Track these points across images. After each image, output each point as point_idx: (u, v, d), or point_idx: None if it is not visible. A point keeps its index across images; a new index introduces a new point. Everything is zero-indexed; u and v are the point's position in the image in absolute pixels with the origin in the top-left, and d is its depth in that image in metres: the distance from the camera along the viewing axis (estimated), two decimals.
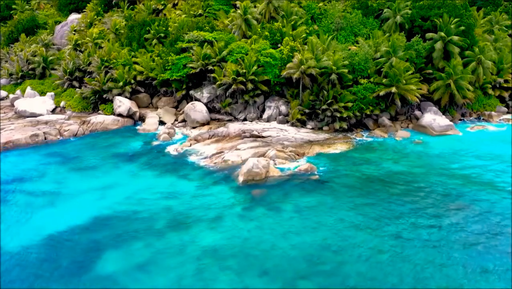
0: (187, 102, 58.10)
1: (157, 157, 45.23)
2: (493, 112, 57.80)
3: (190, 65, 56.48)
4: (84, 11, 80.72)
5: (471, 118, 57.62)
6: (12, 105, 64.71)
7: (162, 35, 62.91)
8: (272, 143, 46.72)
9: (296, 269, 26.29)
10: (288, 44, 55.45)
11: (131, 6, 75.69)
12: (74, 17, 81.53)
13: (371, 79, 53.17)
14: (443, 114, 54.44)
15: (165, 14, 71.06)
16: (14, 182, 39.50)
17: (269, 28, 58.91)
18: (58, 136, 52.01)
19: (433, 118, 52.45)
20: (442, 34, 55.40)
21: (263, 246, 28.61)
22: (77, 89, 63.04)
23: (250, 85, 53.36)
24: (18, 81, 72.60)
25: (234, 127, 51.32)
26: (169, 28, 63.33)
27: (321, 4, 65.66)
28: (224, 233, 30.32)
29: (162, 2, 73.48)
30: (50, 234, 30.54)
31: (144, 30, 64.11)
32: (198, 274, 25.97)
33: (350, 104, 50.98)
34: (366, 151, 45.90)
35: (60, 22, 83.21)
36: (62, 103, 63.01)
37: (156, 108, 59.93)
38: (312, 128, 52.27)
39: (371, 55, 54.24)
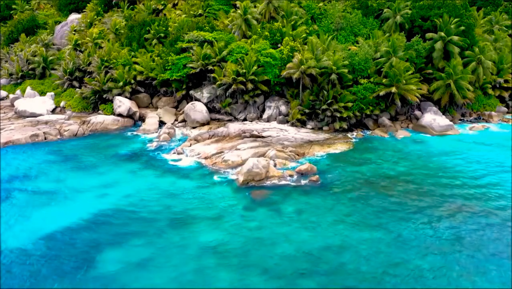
0: (187, 102, 58.10)
1: (157, 157, 45.23)
2: (493, 112, 57.82)
3: (190, 65, 56.48)
4: (84, 11, 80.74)
5: (471, 118, 57.65)
6: (12, 105, 64.73)
7: (162, 35, 62.92)
8: (272, 144, 46.71)
9: (296, 268, 26.28)
10: (288, 44, 55.46)
11: (131, 6, 75.68)
12: (74, 17, 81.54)
13: (371, 79, 53.19)
14: (443, 114, 54.46)
15: (165, 14, 71.06)
16: (13, 180, 39.52)
17: (269, 28, 58.91)
18: (58, 136, 52.01)
19: (433, 118, 52.46)
20: (442, 34, 55.41)
21: (264, 245, 28.59)
22: (77, 89, 63.05)
23: (250, 85, 53.37)
24: (18, 81, 72.63)
25: (234, 127, 51.31)
26: (169, 28, 63.34)
27: (321, 4, 65.66)
28: (224, 232, 30.33)
29: (162, 2, 73.50)
30: (50, 232, 30.54)
31: (144, 30, 64.12)
32: (199, 272, 25.96)
33: (350, 104, 50.99)
34: (366, 151, 45.89)
35: (60, 22, 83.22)
36: (62, 103, 63.03)
37: (156, 108, 59.93)
38: (312, 128, 52.26)
39: (371, 55, 54.24)
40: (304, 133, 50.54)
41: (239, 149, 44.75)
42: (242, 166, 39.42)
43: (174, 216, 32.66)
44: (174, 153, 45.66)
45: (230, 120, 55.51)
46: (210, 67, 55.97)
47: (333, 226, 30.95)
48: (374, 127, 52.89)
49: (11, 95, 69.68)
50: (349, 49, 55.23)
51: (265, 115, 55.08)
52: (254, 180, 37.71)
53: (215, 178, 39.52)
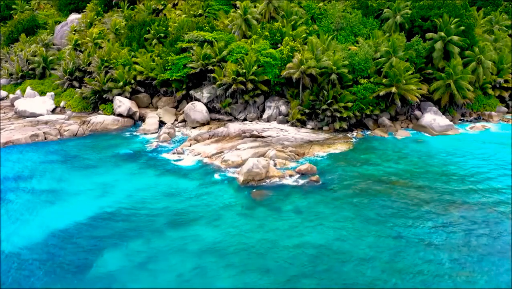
0: (187, 102, 58.11)
1: (157, 157, 45.22)
2: (493, 112, 57.83)
3: (190, 65, 56.48)
4: (84, 11, 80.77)
5: (471, 118, 57.64)
6: (12, 105, 64.75)
7: (162, 35, 62.93)
8: (272, 144, 46.70)
9: (298, 268, 26.27)
10: (288, 44, 55.46)
11: (131, 6, 75.71)
12: (74, 17, 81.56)
13: (371, 79, 53.19)
14: (443, 114, 54.47)
15: (165, 14, 71.07)
16: (13, 181, 39.49)
17: (269, 28, 58.91)
18: (58, 136, 52.00)
19: (433, 118, 52.47)
20: (442, 34, 55.41)
21: (264, 244, 28.59)
22: (77, 89, 63.06)
23: (250, 85, 53.37)
24: (18, 81, 72.66)
25: (234, 127, 51.31)
26: (169, 28, 63.35)
27: (321, 4, 65.68)
28: (225, 231, 30.33)
29: (162, 2, 73.51)
30: (50, 232, 30.52)
31: (144, 30, 64.13)
32: (199, 272, 25.97)
33: (350, 104, 51.00)
34: (366, 151, 45.88)
35: (60, 22, 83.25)
36: (62, 103, 63.05)
37: (156, 108, 59.93)
38: (312, 128, 52.26)
39: (371, 55, 54.24)
40: (304, 133, 50.54)
41: (239, 149, 44.75)
42: (242, 166, 39.43)
43: (174, 216, 32.65)
44: (174, 153, 45.61)
45: (230, 120, 55.51)
46: (210, 67, 55.96)
47: (334, 226, 30.93)
48: (374, 127, 52.89)
49: (11, 95, 69.69)
50: (349, 49, 55.22)
51: (265, 115, 55.08)
52: (254, 180, 37.71)
53: (215, 177, 39.52)
